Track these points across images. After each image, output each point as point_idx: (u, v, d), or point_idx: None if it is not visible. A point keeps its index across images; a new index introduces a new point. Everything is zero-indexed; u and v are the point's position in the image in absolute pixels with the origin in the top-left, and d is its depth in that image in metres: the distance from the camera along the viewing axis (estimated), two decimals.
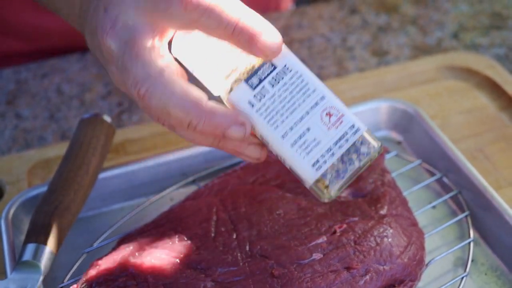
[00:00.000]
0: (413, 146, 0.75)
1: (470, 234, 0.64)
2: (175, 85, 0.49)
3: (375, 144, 0.51)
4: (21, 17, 0.94)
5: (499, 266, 0.63)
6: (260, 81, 0.50)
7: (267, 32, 0.49)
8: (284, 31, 0.98)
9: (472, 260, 0.63)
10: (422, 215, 0.67)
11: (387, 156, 0.71)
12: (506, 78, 0.83)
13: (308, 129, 0.49)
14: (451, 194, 0.68)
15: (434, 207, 0.68)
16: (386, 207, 0.62)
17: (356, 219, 0.60)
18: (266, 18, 0.52)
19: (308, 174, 0.50)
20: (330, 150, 0.49)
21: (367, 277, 0.56)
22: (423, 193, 0.70)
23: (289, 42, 0.96)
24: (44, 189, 0.66)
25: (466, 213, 0.66)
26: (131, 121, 0.85)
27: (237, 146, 0.54)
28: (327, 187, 0.50)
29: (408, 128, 0.75)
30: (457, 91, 0.83)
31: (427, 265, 0.61)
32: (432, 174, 0.71)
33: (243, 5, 0.50)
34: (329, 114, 0.49)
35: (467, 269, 0.61)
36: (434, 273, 0.62)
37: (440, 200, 0.68)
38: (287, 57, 0.50)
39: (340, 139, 0.49)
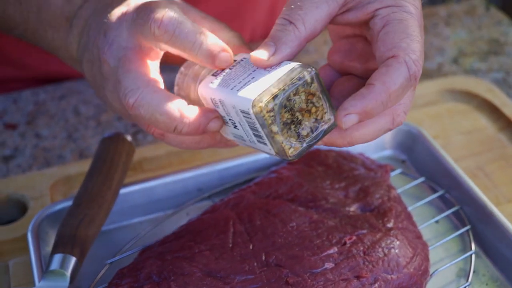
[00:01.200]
0: (417, 164, 0.79)
1: (471, 247, 0.68)
2: (160, 95, 0.57)
3: (309, 69, 0.53)
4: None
5: (499, 277, 0.67)
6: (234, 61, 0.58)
7: (222, 52, 0.57)
8: None
9: (474, 271, 0.67)
10: (426, 229, 0.70)
11: (392, 174, 0.75)
12: (504, 101, 0.88)
13: (253, 78, 0.55)
14: (453, 209, 0.72)
15: (437, 221, 0.72)
16: (392, 221, 0.65)
17: (364, 231, 0.64)
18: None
19: (247, 101, 0.53)
20: (268, 80, 0.53)
21: (376, 285, 0.59)
22: (426, 209, 0.74)
23: None
24: (66, 204, 0.70)
25: (468, 227, 0.70)
26: (146, 140, 0.89)
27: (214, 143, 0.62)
28: (266, 105, 0.52)
29: (411, 147, 0.79)
30: (457, 113, 0.87)
31: (431, 275, 0.64)
32: (435, 191, 0.75)
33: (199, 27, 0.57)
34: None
35: (469, 280, 0.65)
36: (438, 283, 0.66)
37: (443, 215, 0.71)
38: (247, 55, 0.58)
39: (276, 72, 0.54)
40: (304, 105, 0.53)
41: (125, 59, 0.58)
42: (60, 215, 0.68)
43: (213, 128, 0.58)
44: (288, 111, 0.53)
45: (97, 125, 0.92)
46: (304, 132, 0.54)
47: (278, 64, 0.54)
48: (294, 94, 0.53)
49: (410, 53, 0.52)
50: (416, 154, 0.79)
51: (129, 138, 0.73)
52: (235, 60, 0.58)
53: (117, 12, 0.60)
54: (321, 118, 0.54)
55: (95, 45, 0.61)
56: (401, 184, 0.75)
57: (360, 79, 0.57)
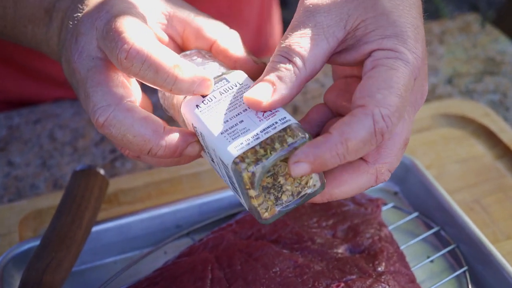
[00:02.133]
0: (410, 197, 0.74)
1: None
2: (134, 114, 0.51)
3: (301, 134, 0.48)
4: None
5: None
6: (213, 91, 0.52)
7: (201, 84, 0.52)
8: None
9: None
10: (420, 270, 0.66)
11: (384, 208, 0.70)
12: (502, 127, 0.83)
13: (241, 121, 0.49)
14: (449, 248, 0.67)
15: (432, 261, 0.67)
16: (383, 264, 0.61)
17: (354, 277, 0.59)
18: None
19: (229, 155, 0.48)
20: (256, 135, 0.48)
21: None
22: (420, 246, 0.69)
23: None
24: (36, 243, 0.65)
25: (465, 268, 0.65)
26: (124, 168, 0.84)
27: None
28: (246, 169, 0.47)
29: (404, 178, 0.75)
30: (452, 139, 0.83)
31: None
32: (429, 226, 0.70)
33: (175, 54, 0.52)
34: (265, 111, 0.50)
35: None
36: None
37: (438, 254, 0.67)
38: (241, 76, 0.53)
39: (268, 127, 0.48)
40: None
41: (94, 70, 0.52)
42: (28, 256, 0.64)
43: (191, 153, 0.52)
44: (271, 176, 0.48)
45: (73, 151, 0.87)
46: (284, 197, 0.49)
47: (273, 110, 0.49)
48: (281, 160, 0.48)
49: (381, 107, 0.46)
50: (409, 186, 0.74)
51: (101, 171, 0.68)
52: (225, 79, 0.53)
53: (90, 14, 0.54)
54: (306, 183, 0.50)
55: (68, 48, 0.55)
56: (394, 220, 0.70)
57: None
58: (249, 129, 0.48)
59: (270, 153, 0.47)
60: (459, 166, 0.79)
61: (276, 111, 0.49)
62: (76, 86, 0.54)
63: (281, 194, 0.49)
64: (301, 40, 0.50)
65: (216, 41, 0.57)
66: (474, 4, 2.68)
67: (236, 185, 0.48)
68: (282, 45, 0.50)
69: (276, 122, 0.48)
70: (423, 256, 0.68)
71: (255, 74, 0.55)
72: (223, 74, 0.53)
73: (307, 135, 0.48)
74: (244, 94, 0.50)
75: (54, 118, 0.93)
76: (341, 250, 0.62)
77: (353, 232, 0.64)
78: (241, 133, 0.48)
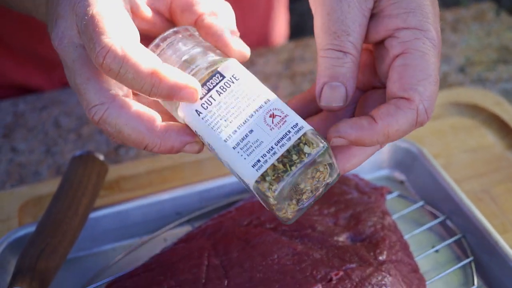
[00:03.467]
0: (416, 186, 0.72)
1: (474, 281, 0.62)
2: (129, 109, 0.49)
3: (320, 143, 0.47)
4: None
5: None
6: (209, 90, 0.49)
7: (183, 90, 0.49)
8: (287, 64, 0.96)
9: None
10: (424, 260, 0.64)
11: (389, 197, 0.68)
12: None
13: (251, 131, 0.48)
14: (455, 238, 0.65)
15: (437, 251, 0.66)
16: (385, 253, 0.59)
17: (353, 265, 0.57)
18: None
19: (249, 176, 0.47)
20: (272, 149, 0.47)
21: None
22: (425, 236, 0.67)
23: (291, 75, 0.95)
24: (32, 229, 0.64)
25: (470, 258, 0.63)
26: (128, 155, 0.83)
27: None
28: (270, 188, 0.47)
29: (411, 167, 0.73)
30: (462, 128, 0.81)
31: None
32: (435, 216, 0.68)
33: (155, 58, 0.49)
34: (273, 116, 0.48)
35: None
36: None
37: (443, 244, 0.65)
38: (236, 68, 0.50)
39: (282, 138, 0.47)
40: (309, 176, 0.48)
41: (81, 62, 0.49)
42: (25, 242, 0.63)
43: (189, 151, 0.51)
44: (292, 188, 0.48)
45: (77, 138, 0.86)
46: (304, 196, 0.49)
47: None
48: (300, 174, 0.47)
49: (424, 100, 0.49)
50: (415, 175, 0.72)
51: (101, 157, 0.67)
52: (218, 74, 0.50)
53: None
54: (323, 179, 0.49)
55: (50, 29, 0.52)
56: (398, 209, 0.68)
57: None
58: (262, 141, 0.47)
59: (290, 168, 0.47)
60: (468, 156, 0.77)
61: (285, 116, 0.48)
62: (65, 69, 0.52)
63: (302, 195, 0.49)
64: (347, 27, 0.50)
65: (201, 15, 0.53)
66: None
67: (257, 197, 0.48)
68: (329, 37, 0.50)
69: (289, 131, 0.47)
70: (428, 246, 0.66)
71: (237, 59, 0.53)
72: (212, 65, 0.50)
73: (325, 144, 0.47)
74: (321, 103, 0.50)
75: (60, 105, 0.92)
76: (342, 238, 0.61)
77: (355, 220, 0.62)
78: (255, 147, 0.47)
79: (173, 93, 0.48)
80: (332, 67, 0.49)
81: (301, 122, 0.48)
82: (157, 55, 0.52)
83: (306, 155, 0.47)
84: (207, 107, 0.49)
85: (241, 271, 0.56)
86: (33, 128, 0.89)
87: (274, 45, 1.04)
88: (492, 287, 0.62)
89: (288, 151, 0.47)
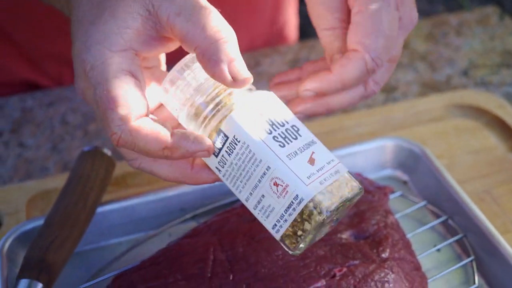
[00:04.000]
0: (419, 186, 0.73)
1: (475, 280, 0.62)
2: (161, 163, 0.52)
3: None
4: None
5: None
6: (220, 150, 0.51)
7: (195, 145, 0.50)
8: (292, 65, 0.97)
9: None
10: (426, 258, 0.65)
11: (392, 197, 0.69)
12: None
13: (263, 196, 0.50)
14: (457, 237, 0.66)
15: (438, 250, 0.66)
16: (388, 250, 0.60)
17: (356, 262, 0.58)
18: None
19: (273, 233, 0.52)
20: (283, 216, 0.50)
21: None
22: (427, 235, 0.68)
23: None
24: (41, 222, 0.65)
25: (471, 258, 0.64)
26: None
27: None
28: (292, 245, 0.51)
29: (414, 167, 0.74)
30: (465, 130, 0.82)
31: None
32: (437, 216, 0.69)
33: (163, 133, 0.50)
34: (276, 184, 0.49)
35: None
36: None
37: (445, 243, 0.66)
38: (236, 128, 0.50)
39: (288, 207, 0.49)
40: (328, 222, 0.51)
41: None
42: (33, 234, 0.64)
43: (200, 156, 0.52)
44: (313, 237, 0.52)
45: (84, 135, 0.87)
46: (326, 230, 0.54)
47: None
48: None
49: (371, 51, 0.56)
50: (418, 175, 0.73)
51: (108, 152, 0.68)
52: (225, 135, 0.50)
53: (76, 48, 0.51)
54: (348, 206, 0.53)
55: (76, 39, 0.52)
56: (401, 208, 0.69)
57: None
58: (274, 208, 0.50)
59: (304, 229, 0.50)
60: (471, 157, 0.78)
61: (286, 185, 0.49)
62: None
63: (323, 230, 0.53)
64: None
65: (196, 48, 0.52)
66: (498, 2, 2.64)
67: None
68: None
69: (292, 202, 0.49)
70: (430, 245, 0.67)
71: None
72: (218, 116, 0.51)
73: (332, 206, 0.49)
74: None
75: (67, 102, 0.93)
76: (345, 235, 0.62)
77: (359, 218, 0.63)
78: (269, 211, 0.51)
79: (187, 157, 0.50)
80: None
81: (302, 191, 0.49)
82: (168, 96, 0.53)
83: (316, 218, 0.49)
84: (223, 166, 0.51)
85: (246, 266, 0.57)
86: (41, 124, 0.90)
87: (283, 45, 1.05)
88: (493, 286, 0.63)
89: (298, 218, 0.49)
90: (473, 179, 0.75)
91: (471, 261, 0.64)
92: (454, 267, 0.63)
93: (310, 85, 0.58)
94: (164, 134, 0.49)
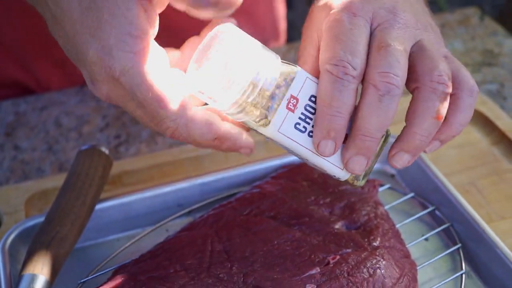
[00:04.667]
0: (406, 179, 0.76)
1: (462, 267, 0.65)
2: (196, 122, 0.53)
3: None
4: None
5: None
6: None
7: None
8: None
9: None
10: (415, 247, 0.67)
11: (381, 189, 0.72)
12: (498, 114, 0.85)
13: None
14: (443, 226, 0.69)
15: (426, 239, 0.69)
16: (379, 239, 0.62)
17: (349, 250, 0.61)
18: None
19: (340, 175, 0.58)
20: None
21: None
22: (415, 226, 0.70)
23: None
24: (41, 219, 0.67)
25: (458, 245, 0.67)
26: (128, 153, 0.86)
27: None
28: (355, 182, 0.59)
29: None
30: None
31: None
32: (425, 207, 0.72)
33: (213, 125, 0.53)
34: None
35: None
36: None
37: (433, 232, 0.68)
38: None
39: None
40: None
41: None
42: (33, 232, 0.65)
43: (243, 152, 0.59)
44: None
45: (78, 137, 0.89)
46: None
47: None
48: None
49: (329, 60, 0.52)
50: (405, 169, 0.75)
51: (106, 151, 0.70)
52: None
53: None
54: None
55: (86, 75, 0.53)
56: (390, 200, 0.72)
57: None
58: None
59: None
60: (456, 151, 0.81)
61: None
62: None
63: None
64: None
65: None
66: (478, 5, 2.69)
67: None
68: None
69: None
70: (418, 234, 0.69)
71: None
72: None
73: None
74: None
75: (60, 105, 0.95)
76: (337, 226, 0.64)
77: (350, 210, 0.66)
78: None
79: (232, 150, 0.54)
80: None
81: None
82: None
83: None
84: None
85: (243, 256, 0.60)
86: (35, 127, 0.91)
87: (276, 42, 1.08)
88: (479, 272, 0.66)
89: None
90: (458, 172, 0.77)
91: (458, 248, 0.66)
92: (441, 255, 0.66)
93: (315, 137, 0.54)
94: (217, 124, 0.51)
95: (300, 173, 0.70)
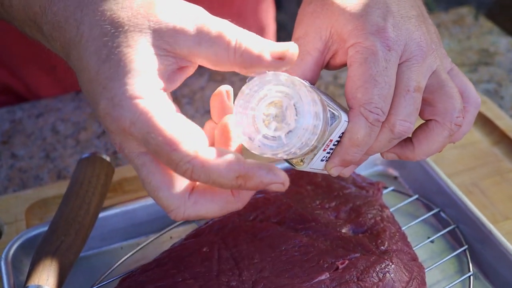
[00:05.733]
0: (410, 181, 0.76)
1: (469, 268, 0.65)
2: (201, 206, 0.50)
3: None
4: None
5: None
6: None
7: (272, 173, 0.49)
8: None
9: None
10: (421, 250, 0.67)
11: (384, 192, 0.72)
12: (498, 114, 0.85)
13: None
14: (449, 228, 0.68)
15: (432, 241, 0.69)
16: (386, 242, 0.62)
17: (357, 255, 0.60)
18: None
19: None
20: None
21: None
22: (421, 228, 0.70)
23: None
24: (43, 229, 0.66)
25: (465, 247, 0.66)
26: (126, 160, 0.85)
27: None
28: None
29: (403, 163, 0.76)
30: None
31: None
32: (429, 208, 0.72)
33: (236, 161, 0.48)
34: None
35: None
36: None
37: (438, 234, 0.68)
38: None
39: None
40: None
41: (147, 171, 0.50)
42: (36, 242, 0.65)
43: (274, 189, 0.51)
44: None
45: (76, 144, 0.88)
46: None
47: None
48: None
49: (365, 104, 0.53)
50: (408, 170, 0.76)
51: (107, 158, 0.69)
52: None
53: (123, 64, 0.48)
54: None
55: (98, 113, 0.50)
56: (394, 202, 0.72)
57: None
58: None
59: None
60: (457, 152, 0.80)
61: None
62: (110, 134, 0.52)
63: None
64: None
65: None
66: (463, 3, 2.69)
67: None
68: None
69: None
70: (423, 237, 0.69)
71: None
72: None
73: None
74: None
75: (56, 112, 0.94)
76: (344, 230, 0.64)
77: (356, 213, 0.65)
78: None
79: (260, 188, 0.48)
80: None
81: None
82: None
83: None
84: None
85: (251, 262, 0.59)
86: (31, 134, 0.90)
87: None
88: (486, 273, 0.66)
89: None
90: (460, 172, 0.77)
91: (465, 250, 0.66)
92: (448, 257, 0.66)
93: (332, 163, 0.56)
94: (236, 161, 0.47)
95: (303, 177, 0.70)
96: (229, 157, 0.47)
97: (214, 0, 0.97)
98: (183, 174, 0.47)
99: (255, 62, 0.48)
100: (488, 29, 1.08)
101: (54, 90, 0.98)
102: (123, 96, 0.47)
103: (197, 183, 0.51)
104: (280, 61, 0.48)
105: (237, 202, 0.51)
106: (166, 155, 0.47)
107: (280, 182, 0.48)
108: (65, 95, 0.97)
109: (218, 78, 0.99)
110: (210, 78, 0.99)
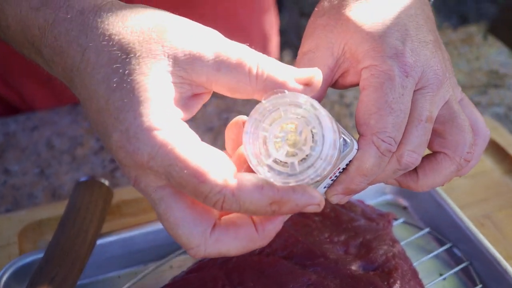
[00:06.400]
0: (420, 211, 0.73)
1: None
2: (223, 244, 0.47)
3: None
4: None
5: None
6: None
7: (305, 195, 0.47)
8: None
9: None
10: (433, 287, 0.64)
11: (394, 223, 0.69)
12: (510, 141, 0.82)
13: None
14: (462, 265, 0.66)
15: (444, 278, 0.66)
16: (399, 282, 0.59)
17: None
18: None
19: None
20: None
21: None
22: (432, 263, 0.67)
23: None
24: (37, 256, 0.63)
25: (479, 286, 0.64)
26: (125, 178, 0.82)
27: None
28: None
29: (413, 193, 0.73)
30: None
31: None
32: (440, 242, 0.69)
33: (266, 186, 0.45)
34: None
35: None
36: None
37: (451, 272, 0.65)
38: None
39: None
40: None
41: (165, 207, 0.46)
42: (29, 269, 0.62)
43: (311, 210, 0.49)
44: None
45: (71, 160, 0.85)
46: None
47: None
48: None
49: (378, 132, 0.51)
50: (418, 200, 0.73)
51: (106, 182, 0.66)
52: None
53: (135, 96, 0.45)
54: None
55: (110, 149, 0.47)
56: (405, 235, 0.69)
57: None
58: None
59: None
60: (468, 181, 0.78)
61: None
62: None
63: None
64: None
65: None
66: (462, 15, 2.68)
67: None
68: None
69: None
70: (434, 272, 0.67)
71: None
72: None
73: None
74: None
75: (52, 125, 0.91)
76: (354, 267, 0.61)
77: (366, 248, 0.63)
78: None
79: (295, 212, 0.46)
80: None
81: None
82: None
83: None
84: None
85: None
86: (25, 148, 0.87)
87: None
88: None
89: None
90: (471, 204, 0.75)
91: None
92: None
93: (334, 191, 0.53)
94: (269, 187, 0.44)
95: None
96: (261, 182, 0.44)
97: (219, 14, 0.95)
98: (214, 205, 0.44)
99: (281, 83, 0.46)
100: (497, 48, 1.05)
101: (50, 102, 0.95)
102: (139, 128, 0.44)
103: (221, 219, 0.48)
104: (306, 87, 0.47)
105: (262, 239, 0.47)
106: (193, 187, 0.44)
107: (316, 203, 0.46)
108: (62, 107, 0.94)
109: (219, 94, 0.96)
110: (212, 94, 0.96)
